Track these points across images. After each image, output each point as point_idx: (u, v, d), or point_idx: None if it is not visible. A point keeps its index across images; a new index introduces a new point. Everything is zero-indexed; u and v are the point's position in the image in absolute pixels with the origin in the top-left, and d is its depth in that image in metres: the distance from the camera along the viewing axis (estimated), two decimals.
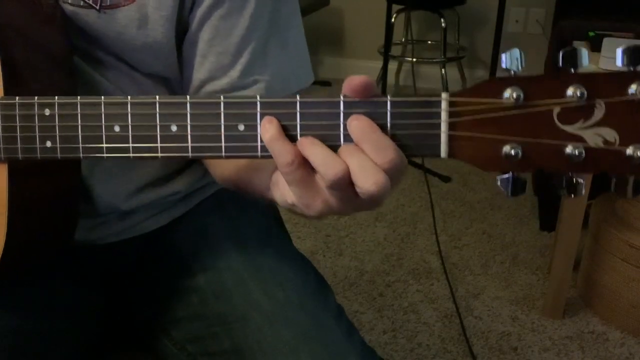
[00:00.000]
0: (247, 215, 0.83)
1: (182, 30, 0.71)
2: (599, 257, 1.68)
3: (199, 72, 0.72)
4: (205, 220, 0.82)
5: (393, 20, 3.05)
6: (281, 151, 0.48)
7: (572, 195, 0.46)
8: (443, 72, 3.14)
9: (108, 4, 0.66)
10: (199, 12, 0.69)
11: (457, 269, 1.92)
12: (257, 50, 0.71)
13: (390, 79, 3.38)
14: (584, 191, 0.46)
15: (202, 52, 0.71)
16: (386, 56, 2.98)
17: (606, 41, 1.47)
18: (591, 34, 1.60)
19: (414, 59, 3.15)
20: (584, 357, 1.57)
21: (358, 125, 0.47)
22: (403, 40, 3.43)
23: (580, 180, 0.46)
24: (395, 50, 3.35)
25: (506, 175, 0.47)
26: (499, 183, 0.47)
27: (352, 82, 0.48)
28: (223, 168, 0.71)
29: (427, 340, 1.62)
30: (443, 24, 3.05)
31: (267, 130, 0.49)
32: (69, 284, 0.77)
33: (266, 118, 0.49)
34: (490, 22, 3.04)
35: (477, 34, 3.44)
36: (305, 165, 0.48)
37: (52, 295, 0.75)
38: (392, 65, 3.44)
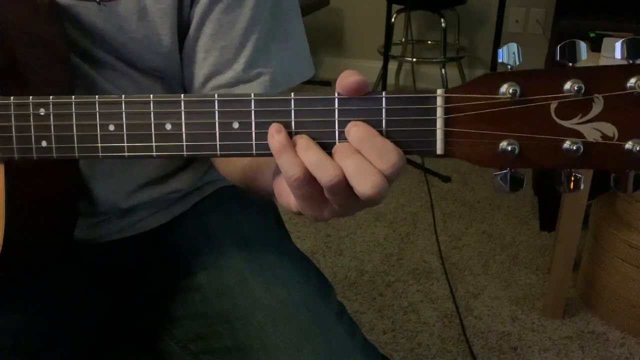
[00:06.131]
0: (249, 213, 0.83)
1: (183, 27, 0.71)
2: (599, 257, 1.68)
3: (203, 68, 0.72)
4: (207, 219, 0.82)
5: (393, 20, 3.05)
6: (290, 164, 0.47)
7: (572, 191, 0.45)
8: (443, 72, 3.14)
9: None
10: (200, 7, 0.69)
11: (457, 269, 1.92)
12: (260, 42, 0.71)
13: (390, 79, 3.38)
14: (582, 186, 0.45)
15: (205, 47, 0.71)
16: (386, 56, 2.98)
17: (606, 41, 1.47)
18: (591, 34, 1.60)
19: (414, 59, 3.15)
20: (584, 357, 1.57)
21: (357, 132, 0.46)
22: (403, 40, 3.43)
23: (579, 175, 0.45)
24: (395, 50, 3.35)
25: (503, 172, 0.46)
26: (496, 179, 0.46)
27: (345, 82, 0.47)
28: (230, 166, 0.72)
29: (427, 340, 1.62)
30: (443, 24, 3.05)
31: (276, 139, 0.47)
32: (71, 282, 0.77)
33: (274, 126, 0.48)
34: (490, 22, 3.05)
35: (477, 34, 3.44)
36: (314, 180, 0.47)
37: (54, 294, 0.75)
38: (392, 65, 3.44)
